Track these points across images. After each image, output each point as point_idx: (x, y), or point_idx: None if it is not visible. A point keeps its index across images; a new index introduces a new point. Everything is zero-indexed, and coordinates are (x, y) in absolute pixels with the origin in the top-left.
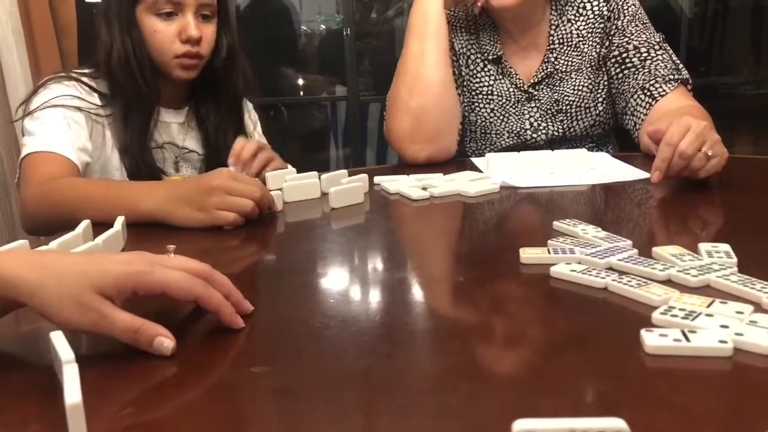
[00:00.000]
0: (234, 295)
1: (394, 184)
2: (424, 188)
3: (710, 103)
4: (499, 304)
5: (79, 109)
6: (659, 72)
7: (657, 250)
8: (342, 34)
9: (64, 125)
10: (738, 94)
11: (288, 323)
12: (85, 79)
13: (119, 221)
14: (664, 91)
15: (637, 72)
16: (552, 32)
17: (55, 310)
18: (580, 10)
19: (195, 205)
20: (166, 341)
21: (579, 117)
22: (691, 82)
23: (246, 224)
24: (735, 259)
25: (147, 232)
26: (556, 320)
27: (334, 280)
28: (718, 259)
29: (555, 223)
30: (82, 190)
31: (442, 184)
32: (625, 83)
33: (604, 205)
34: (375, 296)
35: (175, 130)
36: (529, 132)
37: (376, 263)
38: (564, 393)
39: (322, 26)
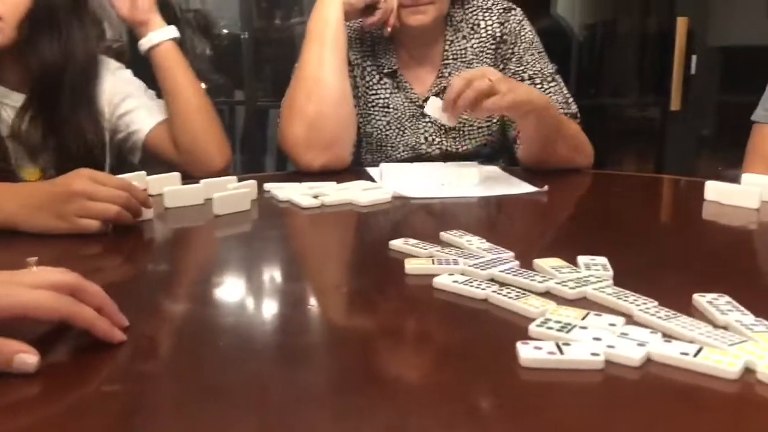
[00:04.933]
0: (108, 307)
1: (284, 191)
2: (316, 196)
3: (599, 123)
4: (378, 316)
5: None
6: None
7: (538, 262)
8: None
9: None
10: (625, 116)
11: (153, 338)
12: None
13: None
14: None
15: None
16: (447, 48)
17: None
18: (475, 28)
19: (53, 212)
20: (28, 357)
21: (471, 136)
22: (579, 116)
23: (120, 229)
24: (611, 272)
25: (1, 238)
26: (435, 332)
27: (209, 292)
28: (595, 271)
29: (442, 233)
30: None
31: (334, 192)
32: None
33: (492, 217)
34: (248, 309)
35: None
36: (423, 146)
37: (257, 274)
38: (437, 408)
39: (225, 30)
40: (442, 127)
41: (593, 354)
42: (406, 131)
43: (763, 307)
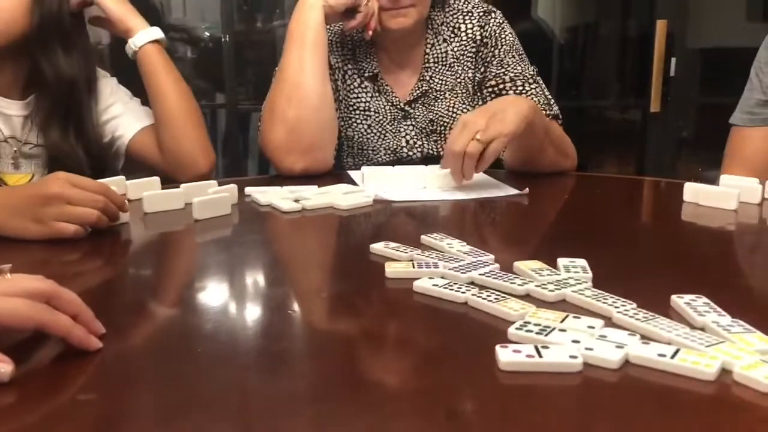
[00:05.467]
0: (84, 314)
1: (265, 195)
2: (297, 200)
3: (580, 124)
4: (358, 321)
5: None
6: None
7: (518, 264)
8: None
9: None
10: (605, 118)
11: (131, 345)
12: None
13: None
14: None
15: None
16: (428, 51)
17: None
18: (456, 31)
19: (30, 215)
20: (1, 366)
21: None
22: (561, 117)
23: (98, 235)
24: (590, 274)
25: None
26: (415, 337)
27: (188, 297)
28: (574, 273)
29: (423, 237)
30: None
31: (315, 196)
32: None
33: (473, 220)
34: (228, 315)
35: (17, 123)
36: (405, 150)
37: (237, 279)
38: (417, 413)
39: (206, 33)
40: (424, 130)
41: (571, 357)
42: (387, 135)
43: (740, 309)
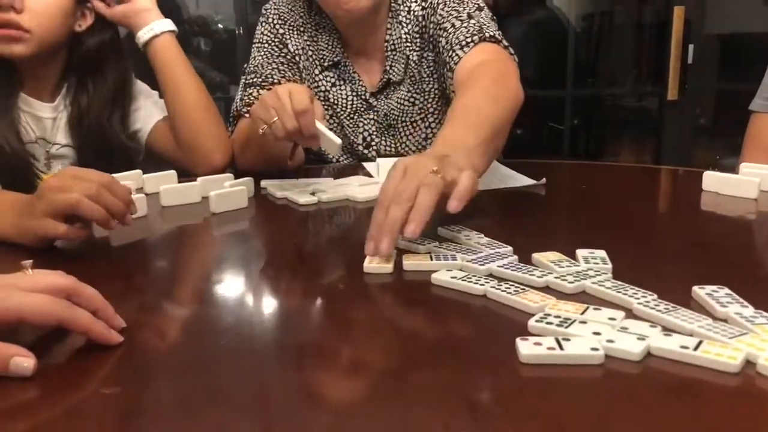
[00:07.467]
0: (104, 310)
1: (281, 188)
2: (313, 193)
3: (597, 113)
4: (376, 313)
5: None
6: (459, 39)
7: (536, 256)
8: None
9: None
10: (622, 106)
11: (151, 339)
12: None
13: None
14: (458, 57)
15: (443, 52)
16: (388, 37)
17: None
18: (410, 13)
19: (27, 215)
20: (24, 361)
21: (407, 132)
22: (500, 38)
23: (114, 228)
24: (610, 265)
25: None
26: (434, 329)
27: (207, 291)
28: (594, 265)
29: (439, 229)
30: None
31: (331, 189)
32: (442, 68)
33: (490, 211)
34: (247, 308)
35: (48, 125)
36: (360, 147)
37: (255, 272)
38: (436, 406)
39: (220, 26)
40: (381, 125)
41: (593, 349)
42: (343, 129)
43: (762, 299)
